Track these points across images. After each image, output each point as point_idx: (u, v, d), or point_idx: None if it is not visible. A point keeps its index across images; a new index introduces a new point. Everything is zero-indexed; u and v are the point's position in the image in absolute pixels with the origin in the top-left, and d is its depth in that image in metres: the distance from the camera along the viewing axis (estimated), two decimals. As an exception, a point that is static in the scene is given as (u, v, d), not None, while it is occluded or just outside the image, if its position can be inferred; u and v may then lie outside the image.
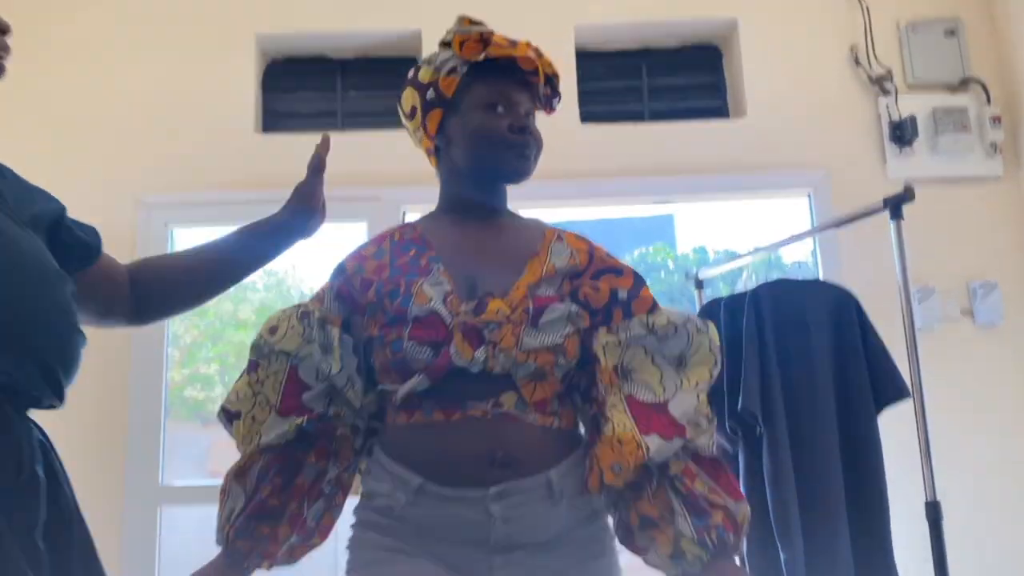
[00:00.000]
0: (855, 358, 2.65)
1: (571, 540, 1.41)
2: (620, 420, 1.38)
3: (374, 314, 1.45)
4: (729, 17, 3.58)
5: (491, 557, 1.37)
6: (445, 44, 1.55)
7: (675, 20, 3.61)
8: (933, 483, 2.32)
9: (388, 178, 3.33)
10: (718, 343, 1.46)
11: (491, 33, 1.50)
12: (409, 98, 1.58)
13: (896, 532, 2.56)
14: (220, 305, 4.86)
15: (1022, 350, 3.31)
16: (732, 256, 3.65)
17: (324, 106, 3.64)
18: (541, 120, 1.58)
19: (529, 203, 3.04)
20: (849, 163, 3.43)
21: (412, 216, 3.42)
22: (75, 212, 1.43)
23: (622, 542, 1.47)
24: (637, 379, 1.43)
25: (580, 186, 3.38)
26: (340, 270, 1.54)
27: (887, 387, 2.61)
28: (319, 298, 1.52)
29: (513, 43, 1.51)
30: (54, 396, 1.17)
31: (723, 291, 3.82)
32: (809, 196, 3.47)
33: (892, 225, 2.43)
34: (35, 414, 1.23)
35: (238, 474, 1.44)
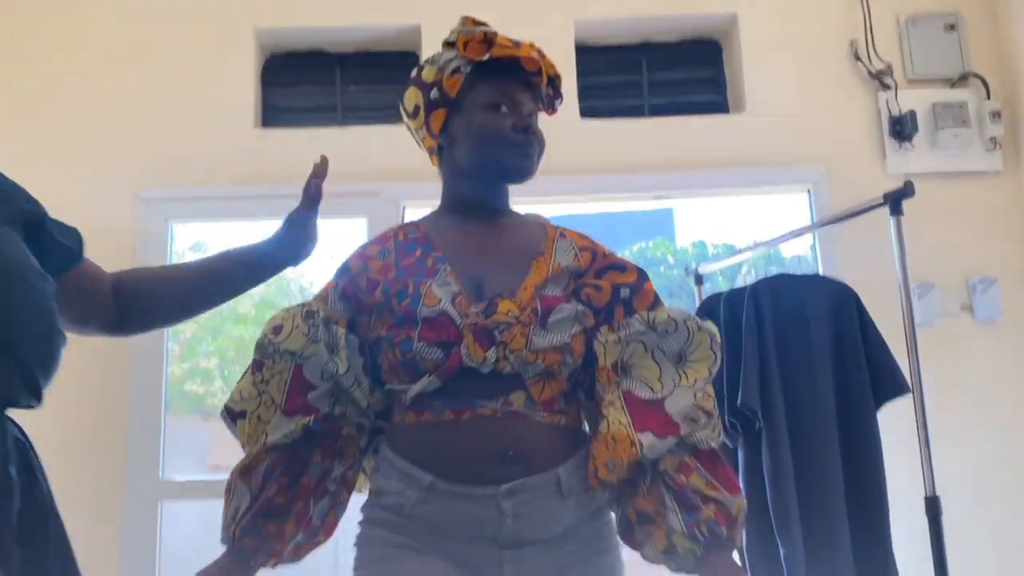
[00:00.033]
0: (855, 353, 2.65)
1: (577, 536, 1.43)
2: (616, 417, 1.40)
3: (381, 315, 1.45)
4: (729, 12, 3.58)
5: (501, 553, 1.39)
6: (449, 44, 1.55)
7: (675, 15, 3.61)
8: (932, 478, 2.32)
9: (388, 173, 3.32)
10: (719, 340, 1.48)
11: (495, 34, 1.51)
12: (412, 97, 1.58)
13: (895, 527, 2.57)
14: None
15: (1021, 345, 3.31)
16: (731, 250, 3.65)
17: (323, 101, 3.63)
18: (541, 115, 1.59)
19: (528, 198, 3.04)
20: (849, 158, 3.43)
21: (412, 211, 3.42)
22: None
23: (623, 538, 1.48)
24: (636, 375, 1.44)
25: (580, 181, 3.37)
26: (345, 270, 1.54)
27: (887, 383, 2.62)
28: (323, 298, 1.53)
29: (517, 44, 1.51)
30: (31, 396, 1.16)
31: (723, 286, 3.82)
32: (809, 191, 3.47)
33: (892, 221, 2.43)
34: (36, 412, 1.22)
35: (243, 473, 1.44)
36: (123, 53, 3.46)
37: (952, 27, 3.51)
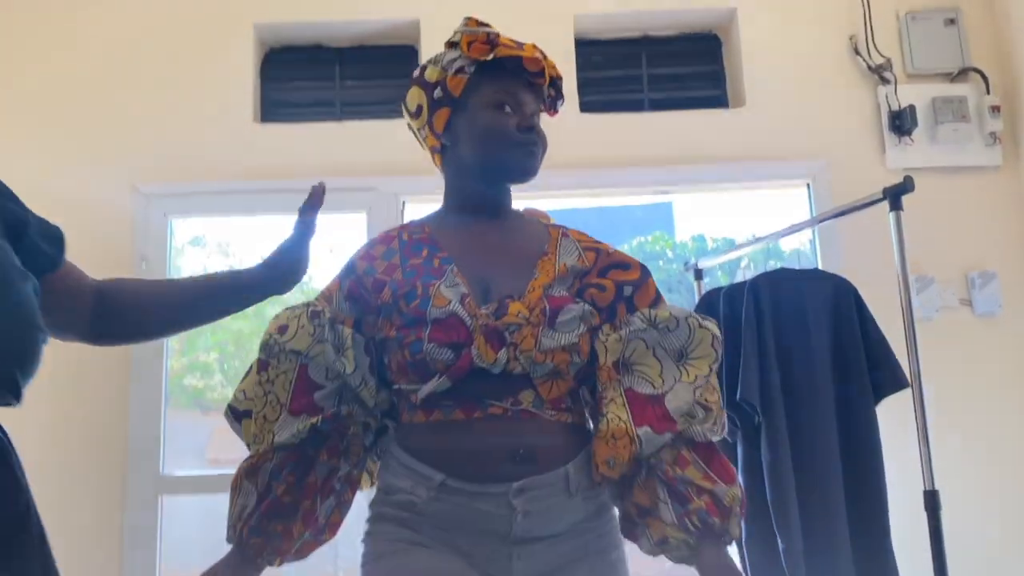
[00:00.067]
0: (854, 348, 2.65)
1: (583, 531, 1.45)
2: (615, 414, 1.41)
3: (389, 315, 1.45)
4: (728, 6, 3.58)
5: (511, 548, 1.40)
6: (452, 44, 1.55)
7: (675, 9, 3.60)
8: (932, 472, 2.32)
9: (387, 168, 3.32)
10: (720, 338, 1.49)
11: (497, 34, 1.51)
12: (415, 97, 1.58)
13: (894, 521, 2.57)
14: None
15: (1020, 339, 3.31)
16: (730, 244, 3.65)
17: (322, 95, 3.63)
18: (542, 115, 1.60)
19: (527, 193, 3.01)
20: (848, 153, 3.43)
21: (411, 206, 3.42)
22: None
23: (624, 533, 1.50)
24: (637, 372, 1.46)
25: (579, 176, 3.37)
26: (350, 270, 1.54)
27: (886, 377, 2.62)
28: (327, 297, 1.53)
29: (520, 44, 1.52)
30: (10, 395, 1.15)
31: (722, 280, 3.82)
32: (808, 185, 3.47)
33: (891, 216, 2.43)
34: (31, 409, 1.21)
35: (249, 472, 1.45)
36: (122, 48, 3.46)
37: (952, 21, 3.51)
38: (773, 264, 2.98)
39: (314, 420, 1.44)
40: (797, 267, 2.90)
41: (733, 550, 2.67)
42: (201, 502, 3.37)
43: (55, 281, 1.31)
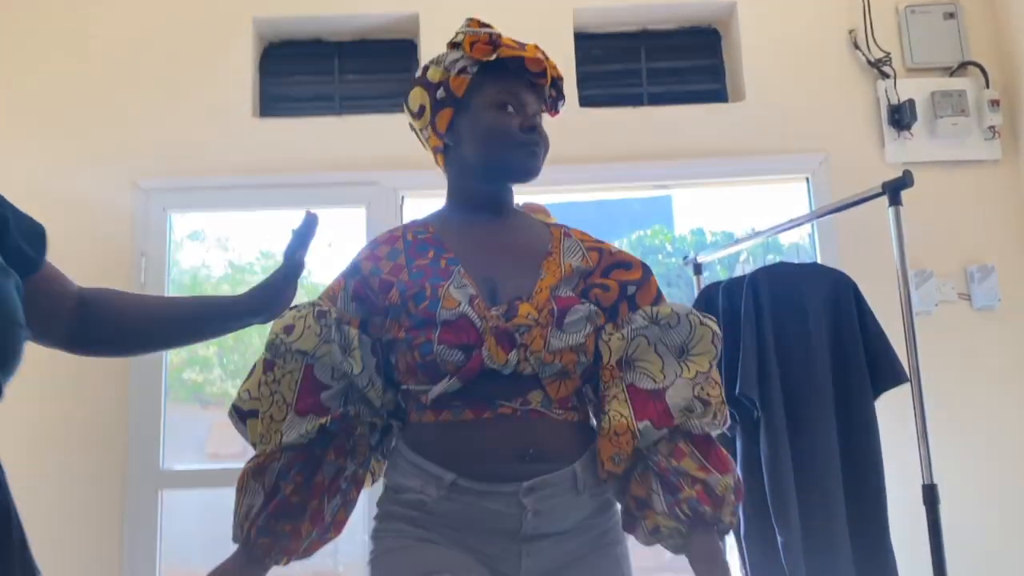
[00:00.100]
0: (853, 342, 2.66)
1: (589, 528, 1.47)
2: (617, 410, 1.44)
3: (397, 317, 1.46)
4: (728, 0, 3.57)
5: (520, 546, 1.42)
6: (454, 45, 1.56)
7: (674, 3, 3.60)
8: (930, 466, 2.33)
9: (386, 162, 3.33)
10: (720, 335, 1.51)
11: (499, 35, 1.53)
12: (417, 97, 1.59)
13: (893, 515, 2.58)
14: (218, 288, 4.86)
15: (1019, 333, 3.32)
16: (730, 238, 3.65)
17: (321, 90, 3.63)
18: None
19: (527, 188, 3.03)
20: (847, 147, 3.43)
21: (411, 201, 3.42)
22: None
23: (624, 527, 1.51)
24: (639, 368, 1.48)
25: (578, 170, 3.37)
26: (355, 270, 1.54)
27: (885, 372, 2.62)
28: (331, 297, 1.53)
29: (521, 45, 1.54)
30: None
31: (721, 274, 3.82)
32: (807, 179, 3.47)
33: (890, 211, 2.43)
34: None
35: (256, 472, 1.45)
36: (122, 44, 3.46)
37: (951, 15, 3.51)
38: (772, 258, 2.98)
39: (323, 420, 1.44)
40: (796, 261, 2.90)
41: (733, 548, 2.68)
42: (201, 496, 3.38)
43: (36, 283, 1.28)
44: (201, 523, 3.36)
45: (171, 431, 3.29)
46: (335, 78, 3.64)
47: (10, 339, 1.12)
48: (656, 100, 3.62)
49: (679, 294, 3.95)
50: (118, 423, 3.18)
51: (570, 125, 3.27)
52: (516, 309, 1.42)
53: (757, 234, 3.10)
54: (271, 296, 1.40)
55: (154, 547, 3.13)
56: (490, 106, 1.51)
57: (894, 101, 3.41)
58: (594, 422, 1.54)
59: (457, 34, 1.55)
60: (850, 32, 3.51)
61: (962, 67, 3.48)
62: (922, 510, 2.30)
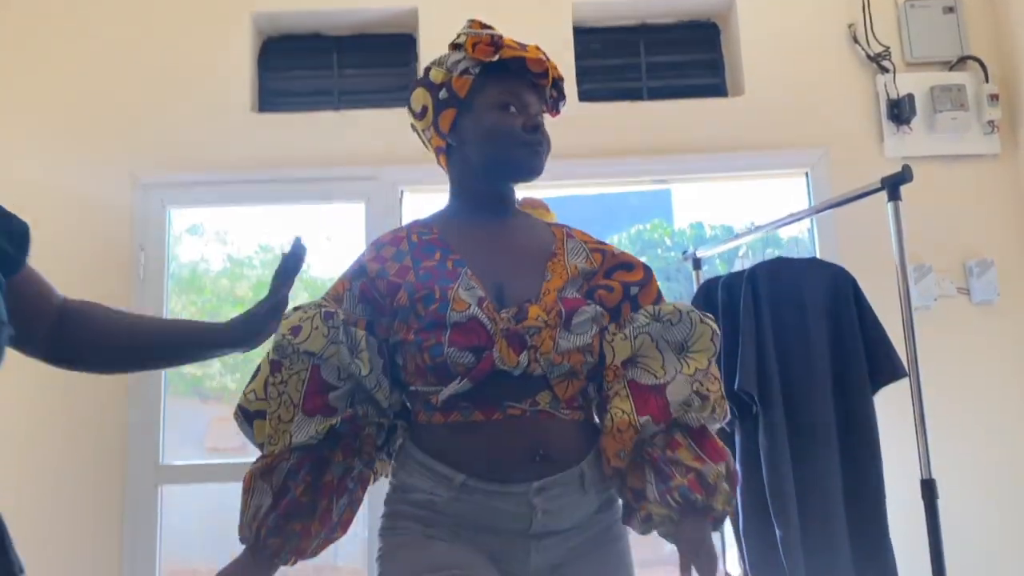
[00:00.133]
0: (852, 337, 2.66)
1: (592, 524, 1.50)
2: (619, 407, 1.46)
3: (406, 319, 1.46)
4: (727, -6, 3.58)
5: (529, 544, 1.44)
6: (456, 46, 1.57)
7: (673, -3, 3.60)
8: (929, 461, 2.33)
9: (385, 158, 3.32)
10: (719, 334, 1.54)
11: (501, 36, 1.54)
12: (420, 98, 1.60)
13: (891, 510, 2.58)
14: (217, 282, 4.86)
15: (1018, 327, 3.32)
16: (729, 232, 3.65)
17: (320, 84, 3.62)
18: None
19: (526, 183, 3.03)
20: (847, 141, 3.43)
21: (410, 196, 3.42)
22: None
23: (623, 521, 1.53)
24: (641, 364, 1.50)
25: (578, 165, 3.37)
26: (361, 271, 1.54)
27: (884, 366, 2.63)
28: (336, 299, 1.53)
29: (523, 46, 1.55)
30: None
31: (720, 269, 3.82)
32: (806, 174, 3.47)
33: (889, 206, 2.44)
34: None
35: (264, 473, 1.45)
36: (121, 39, 3.45)
37: (950, 10, 3.50)
38: (771, 253, 2.98)
39: (333, 421, 1.45)
40: (795, 256, 2.91)
41: (732, 544, 2.69)
42: (200, 491, 3.38)
43: (18, 286, 1.25)
44: (200, 517, 3.37)
45: (171, 424, 3.29)
46: (334, 73, 3.64)
47: None
48: (655, 94, 3.61)
49: (678, 288, 3.96)
50: (118, 418, 3.18)
51: (569, 120, 3.27)
52: (526, 311, 1.43)
53: (756, 229, 3.11)
54: (254, 328, 1.39)
55: (154, 541, 3.13)
56: (493, 106, 1.52)
57: (893, 95, 3.41)
58: (597, 420, 1.55)
59: (459, 35, 1.56)
60: (849, 26, 3.50)
61: (961, 62, 3.48)
62: (921, 504, 2.31)
